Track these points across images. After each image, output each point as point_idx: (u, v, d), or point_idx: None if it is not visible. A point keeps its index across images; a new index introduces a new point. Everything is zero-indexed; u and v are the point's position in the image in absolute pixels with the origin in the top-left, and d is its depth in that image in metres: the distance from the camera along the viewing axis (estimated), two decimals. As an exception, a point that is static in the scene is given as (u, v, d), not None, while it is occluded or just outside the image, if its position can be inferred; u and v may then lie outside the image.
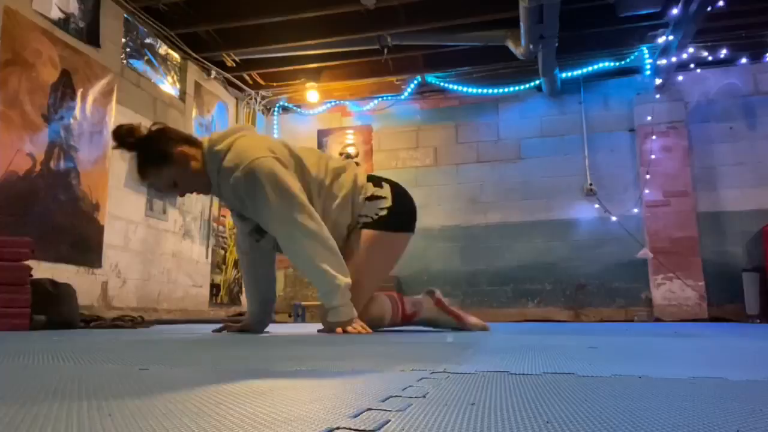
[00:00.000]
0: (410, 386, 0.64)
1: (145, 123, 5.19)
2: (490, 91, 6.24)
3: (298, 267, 2.10)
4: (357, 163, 6.59)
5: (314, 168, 2.14)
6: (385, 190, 2.24)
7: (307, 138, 6.78)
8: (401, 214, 2.26)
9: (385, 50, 5.49)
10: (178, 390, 0.61)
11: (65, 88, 3.96)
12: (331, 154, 2.31)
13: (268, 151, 2.02)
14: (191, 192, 2.16)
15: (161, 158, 2.04)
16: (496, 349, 1.28)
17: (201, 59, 5.63)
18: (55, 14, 3.94)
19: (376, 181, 2.27)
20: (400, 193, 2.29)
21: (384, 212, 2.19)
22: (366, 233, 2.20)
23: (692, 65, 5.74)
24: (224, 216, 6.00)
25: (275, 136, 6.87)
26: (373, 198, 2.21)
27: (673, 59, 5.35)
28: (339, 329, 2.00)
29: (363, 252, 2.18)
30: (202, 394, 0.57)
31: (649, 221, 5.67)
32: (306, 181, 2.10)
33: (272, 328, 2.68)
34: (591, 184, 5.91)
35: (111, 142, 2.10)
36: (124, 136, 2.03)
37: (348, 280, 2.01)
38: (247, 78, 6.31)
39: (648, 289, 5.64)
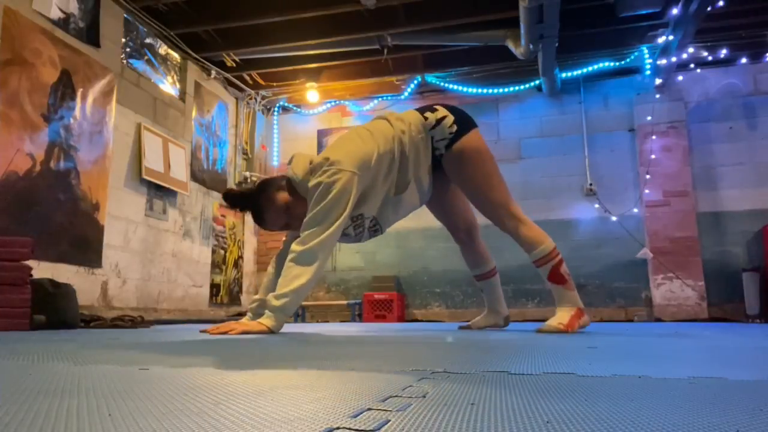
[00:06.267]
0: (410, 386, 0.64)
1: (144, 123, 5.16)
2: (490, 91, 6.24)
3: (284, 269, 2.13)
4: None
5: (388, 148, 2.27)
6: (441, 111, 2.38)
7: (306, 138, 6.78)
8: (464, 119, 2.41)
9: (385, 50, 5.49)
10: (178, 390, 0.61)
11: (65, 88, 3.96)
12: (387, 121, 2.37)
13: (351, 163, 2.14)
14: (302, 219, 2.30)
15: (273, 203, 2.26)
16: (496, 349, 1.28)
17: (201, 59, 5.63)
18: (55, 14, 3.94)
19: (429, 109, 2.39)
20: (451, 105, 2.46)
21: (454, 127, 2.34)
22: (457, 151, 2.34)
23: (692, 65, 5.74)
24: (224, 216, 6.00)
25: (275, 136, 6.87)
26: (438, 123, 2.34)
27: (673, 59, 5.35)
28: (240, 329, 2.04)
29: (474, 163, 2.35)
30: (202, 394, 0.57)
31: (649, 221, 5.66)
32: (381, 166, 2.24)
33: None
34: (591, 184, 5.91)
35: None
36: (237, 197, 2.31)
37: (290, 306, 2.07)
38: (247, 78, 6.31)
39: (648, 289, 5.64)
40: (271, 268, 2.44)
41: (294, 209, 2.24)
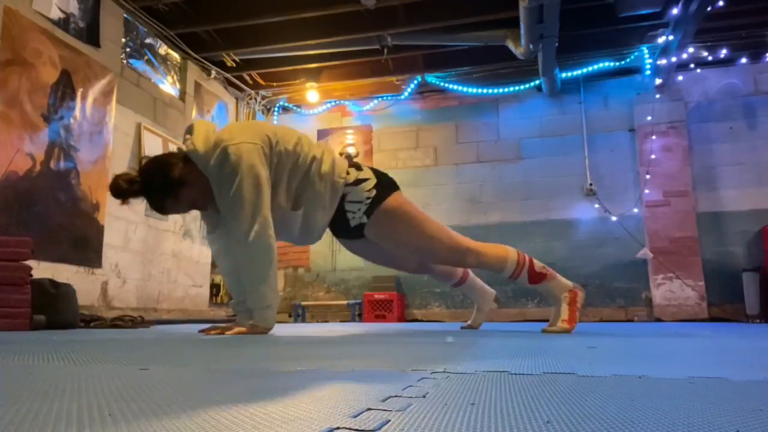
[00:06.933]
0: (410, 386, 0.64)
1: (144, 123, 5.14)
2: (490, 91, 6.24)
3: (242, 271, 2.06)
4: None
5: (291, 148, 2.12)
6: (366, 172, 2.23)
7: (307, 138, 6.78)
8: (385, 183, 2.23)
9: (385, 50, 5.49)
10: (178, 390, 0.61)
11: (65, 88, 3.96)
12: (310, 138, 2.18)
13: (252, 137, 2.03)
14: (211, 201, 2.13)
15: (171, 187, 2.03)
16: (496, 349, 1.28)
17: (201, 59, 5.63)
18: (55, 14, 3.94)
19: (357, 166, 2.25)
20: (380, 171, 2.29)
21: (373, 192, 2.17)
22: (380, 216, 2.17)
23: (692, 65, 5.74)
24: (224, 216, 6.00)
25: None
26: (356, 183, 2.18)
27: (673, 59, 5.35)
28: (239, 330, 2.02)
29: (400, 224, 2.18)
30: (202, 394, 0.57)
31: (649, 221, 5.67)
32: (281, 161, 2.09)
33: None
34: (591, 184, 5.91)
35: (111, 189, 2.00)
36: (126, 187, 2.00)
37: (272, 296, 2.02)
38: (247, 78, 6.31)
39: (648, 289, 5.64)
40: (225, 266, 2.25)
41: (194, 187, 2.05)
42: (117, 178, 2.02)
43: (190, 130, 2.12)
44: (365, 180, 2.18)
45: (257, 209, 1.98)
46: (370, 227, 2.19)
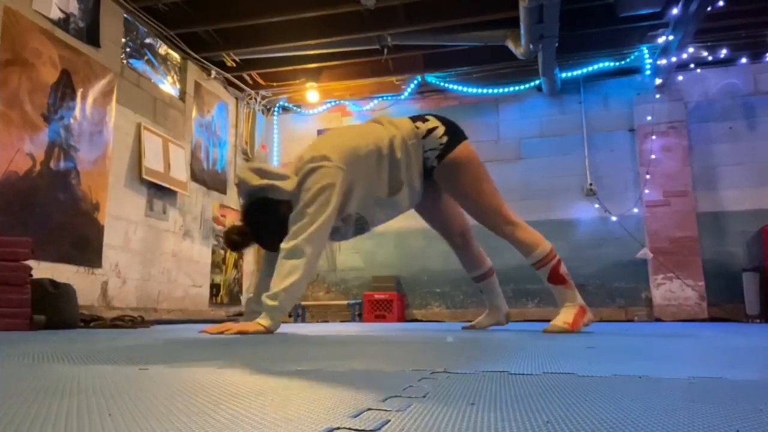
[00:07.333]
0: (410, 386, 0.64)
1: (144, 123, 5.14)
2: (490, 91, 6.24)
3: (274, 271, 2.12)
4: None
5: (369, 149, 2.27)
6: (432, 121, 2.40)
7: (306, 138, 6.77)
8: (455, 130, 2.41)
9: (385, 50, 5.49)
10: (178, 390, 0.61)
11: (65, 88, 3.96)
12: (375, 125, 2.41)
13: (332, 154, 2.16)
14: None
15: (280, 229, 2.14)
16: (496, 349, 1.28)
17: (201, 59, 5.63)
18: (55, 14, 3.94)
19: (421, 119, 2.41)
20: (442, 116, 2.47)
21: (445, 138, 2.35)
22: (449, 162, 2.35)
23: (692, 65, 5.74)
24: (224, 216, 6.00)
25: (275, 136, 6.87)
26: (428, 133, 2.35)
27: (673, 59, 5.35)
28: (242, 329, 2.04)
29: (465, 173, 2.37)
30: (202, 394, 0.57)
31: (649, 221, 5.66)
32: (365, 164, 2.24)
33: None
34: (591, 184, 5.90)
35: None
36: (240, 240, 2.22)
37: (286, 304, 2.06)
38: (247, 78, 6.31)
39: (648, 289, 5.64)
40: (262, 266, 2.44)
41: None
42: (229, 233, 2.24)
43: (264, 175, 2.20)
44: (435, 128, 2.36)
45: (317, 220, 2.07)
46: (439, 170, 2.37)
